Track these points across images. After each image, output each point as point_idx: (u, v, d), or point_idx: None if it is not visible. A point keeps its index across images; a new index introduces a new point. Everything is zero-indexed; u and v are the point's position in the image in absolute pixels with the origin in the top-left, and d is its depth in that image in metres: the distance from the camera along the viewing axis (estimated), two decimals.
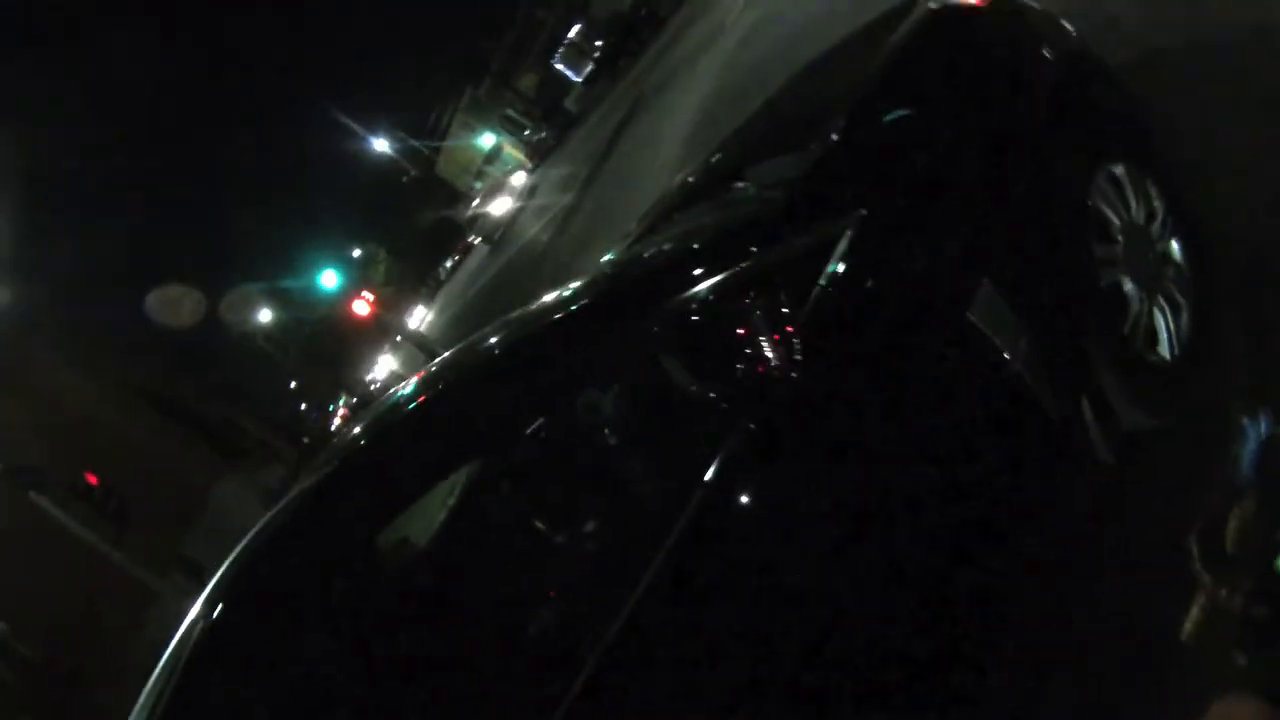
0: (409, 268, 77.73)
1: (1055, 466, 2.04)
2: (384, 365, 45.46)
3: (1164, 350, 2.41)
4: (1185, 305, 2.47)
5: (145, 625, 14.28)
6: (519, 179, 34.18)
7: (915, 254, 1.96)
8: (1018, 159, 2.16)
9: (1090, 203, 2.26)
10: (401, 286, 75.11)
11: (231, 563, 1.91)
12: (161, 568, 12.48)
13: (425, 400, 2.05)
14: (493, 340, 2.20)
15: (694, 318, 1.82)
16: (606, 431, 1.88)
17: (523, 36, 52.32)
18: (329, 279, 30.10)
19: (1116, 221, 2.35)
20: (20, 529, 13.40)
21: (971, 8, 2.53)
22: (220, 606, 1.83)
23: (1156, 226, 2.50)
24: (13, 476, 11.29)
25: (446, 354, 2.44)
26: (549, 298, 2.29)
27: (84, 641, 14.81)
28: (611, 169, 18.29)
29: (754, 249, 1.92)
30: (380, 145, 59.74)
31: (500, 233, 32.15)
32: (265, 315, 46.87)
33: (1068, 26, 2.66)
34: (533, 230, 23.18)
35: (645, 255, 2.37)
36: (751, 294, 1.81)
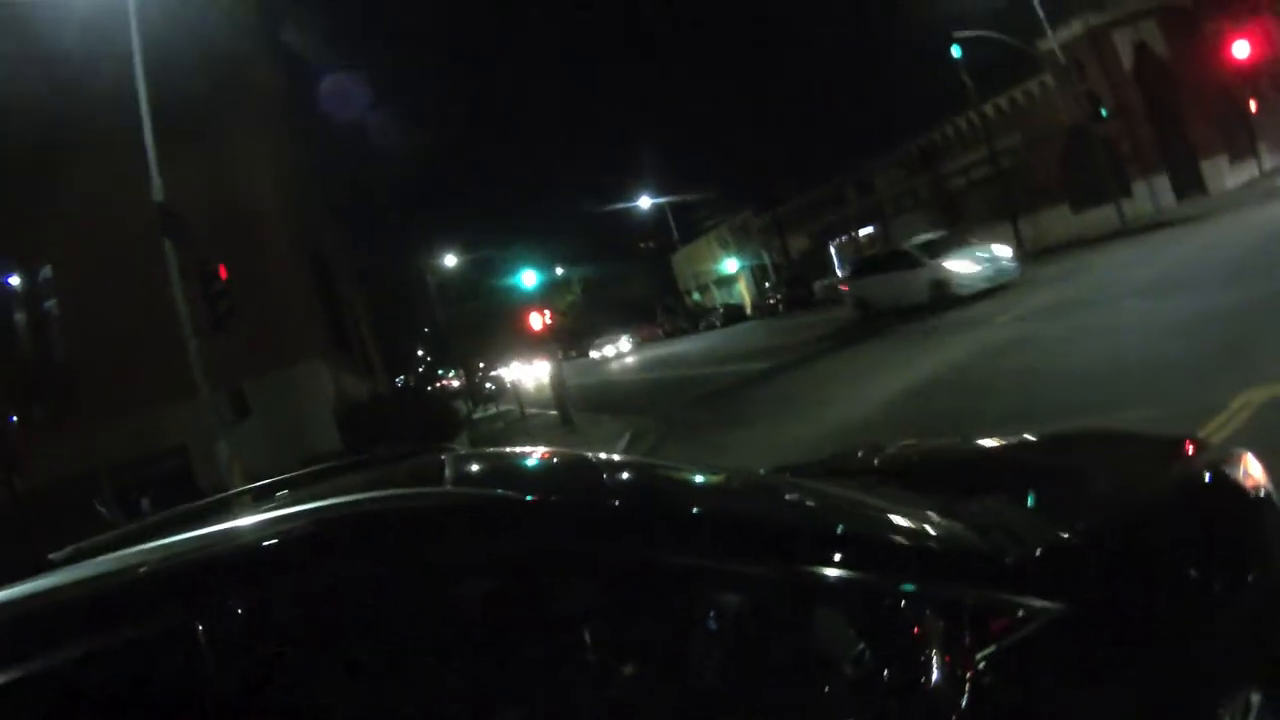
0: (590, 313, 79.65)
1: None
2: (510, 371, 45.80)
3: None
4: None
5: (165, 421, 14.50)
6: None
7: (1082, 670, 2.04)
8: (1209, 650, 2.23)
9: (1219, 711, 2.26)
10: (576, 324, 77.16)
11: (345, 503, 1.90)
12: (214, 384, 12.33)
13: (554, 499, 2.19)
14: (663, 495, 2.43)
15: (878, 597, 1.92)
16: (709, 620, 1.91)
17: (818, 203, 53.24)
18: (529, 278, 31.02)
19: None
20: (136, 264, 13.80)
21: (1254, 495, 2.61)
22: (316, 529, 1.83)
23: None
24: (164, 217, 11.43)
25: (602, 462, 2.68)
26: (732, 478, 2.70)
27: (106, 390, 15.05)
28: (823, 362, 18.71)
29: (967, 580, 2.05)
30: (644, 204, 62.05)
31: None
32: (450, 260, 48.36)
33: None
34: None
35: (859, 512, 2.55)
36: (941, 614, 1.90)
